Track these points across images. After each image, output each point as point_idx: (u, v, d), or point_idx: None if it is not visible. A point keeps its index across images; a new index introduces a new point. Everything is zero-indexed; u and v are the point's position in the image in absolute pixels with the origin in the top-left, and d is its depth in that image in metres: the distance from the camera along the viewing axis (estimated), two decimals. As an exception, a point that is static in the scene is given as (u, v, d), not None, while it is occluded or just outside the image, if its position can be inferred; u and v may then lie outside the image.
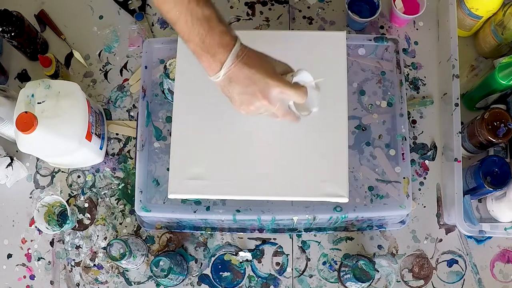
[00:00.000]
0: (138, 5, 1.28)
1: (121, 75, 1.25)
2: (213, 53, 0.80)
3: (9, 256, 1.15)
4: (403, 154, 1.08)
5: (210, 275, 1.13)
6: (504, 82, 1.07)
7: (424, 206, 1.16)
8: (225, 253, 1.14)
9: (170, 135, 0.98)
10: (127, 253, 1.03)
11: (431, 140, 1.20)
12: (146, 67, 1.13)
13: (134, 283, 1.13)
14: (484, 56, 1.23)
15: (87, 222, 1.16)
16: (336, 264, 1.14)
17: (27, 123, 0.96)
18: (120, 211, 1.17)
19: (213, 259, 1.13)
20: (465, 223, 1.06)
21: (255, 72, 0.81)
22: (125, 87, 1.24)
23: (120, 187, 1.18)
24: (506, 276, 1.13)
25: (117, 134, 1.21)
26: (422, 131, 1.20)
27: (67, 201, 1.16)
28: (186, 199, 1.04)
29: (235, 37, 0.81)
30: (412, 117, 1.20)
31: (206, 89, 0.98)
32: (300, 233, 1.14)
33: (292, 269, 1.13)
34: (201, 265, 1.14)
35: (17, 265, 1.15)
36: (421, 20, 1.26)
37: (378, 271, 1.12)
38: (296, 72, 0.87)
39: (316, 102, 0.90)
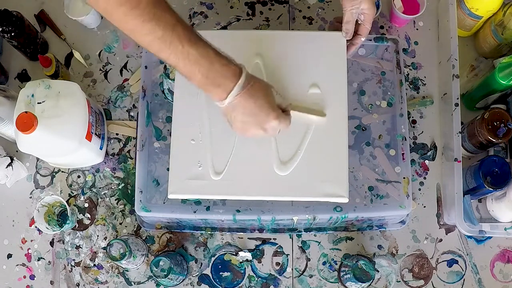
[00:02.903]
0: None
1: (121, 75, 1.25)
2: (218, 84, 0.82)
3: (9, 256, 1.15)
4: (403, 154, 1.08)
5: (210, 275, 1.13)
6: (504, 82, 1.07)
7: (424, 206, 1.16)
8: (225, 253, 1.14)
9: (170, 135, 0.98)
10: (127, 253, 1.03)
11: (431, 140, 1.20)
12: (146, 67, 1.13)
13: (134, 283, 1.13)
14: (484, 56, 1.23)
15: (87, 222, 1.16)
16: (336, 264, 1.14)
17: (27, 123, 0.96)
18: (120, 211, 1.17)
19: (213, 259, 1.13)
20: (465, 223, 1.06)
21: (259, 104, 0.85)
22: (125, 87, 1.24)
23: (120, 187, 1.18)
24: (506, 276, 1.13)
25: (117, 134, 1.21)
26: (422, 131, 1.20)
27: (67, 201, 1.16)
28: (186, 199, 1.04)
29: (239, 67, 0.84)
30: (412, 117, 1.20)
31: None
32: (300, 233, 1.14)
33: (292, 269, 1.13)
34: (201, 265, 1.14)
35: (17, 265, 1.15)
36: (421, 20, 1.26)
37: (378, 271, 1.12)
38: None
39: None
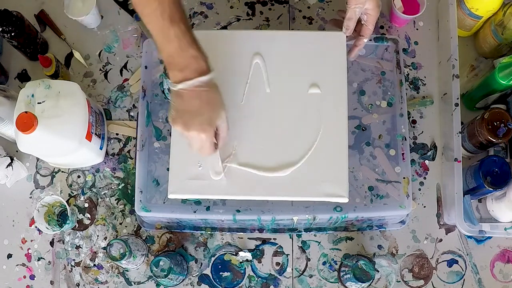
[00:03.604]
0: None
1: (121, 75, 1.25)
2: (181, 68, 0.83)
3: (9, 256, 1.15)
4: (403, 154, 1.08)
5: (210, 275, 1.13)
6: (504, 82, 1.07)
7: (424, 206, 1.16)
8: (225, 253, 1.14)
9: (170, 135, 0.98)
10: (127, 253, 1.03)
11: (431, 140, 1.20)
12: (146, 67, 1.13)
13: (134, 283, 1.13)
14: (484, 56, 1.23)
15: (87, 222, 1.16)
16: (336, 264, 1.14)
17: (27, 123, 0.96)
18: (120, 211, 1.17)
19: (213, 259, 1.13)
20: (465, 223, 1.06)
21: (204, 111, 0.85)
22: (125, 87, 1.24)
23: (120, 187, 1.18)
24: (506, 276, 1.13)
25: (117, 134, 1.21)
26: (422, 131, 1.20)
27: (67, 201, 1.16)
28: (186, 199, 1.04)
29: (208, 70, 0.85)
30: (412, 117, 1.20)
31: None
32: (300, 233, 1.14)
33: (292, 269, 1.13)
34: (201, 265, 1.14)
35: (17, 265, 1.15)
36: (421, 20, 1.26)
37: (378, 271, 1.12)
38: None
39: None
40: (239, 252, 1.13)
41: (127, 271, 1.14)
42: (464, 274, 1.13)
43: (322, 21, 1.27)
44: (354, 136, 1.11)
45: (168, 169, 0.96)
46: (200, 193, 0.95)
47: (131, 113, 1.22)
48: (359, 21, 0.99)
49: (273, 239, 1.15)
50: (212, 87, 0.86)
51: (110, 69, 1.25)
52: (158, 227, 1.13)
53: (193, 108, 0.85)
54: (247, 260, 1.13)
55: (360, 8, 0.96)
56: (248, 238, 1.14)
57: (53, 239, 1.16)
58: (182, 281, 1.12)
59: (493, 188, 1.06)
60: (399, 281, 1.13)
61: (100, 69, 1.25)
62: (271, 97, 0.98)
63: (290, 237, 1.15)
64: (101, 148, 1.16)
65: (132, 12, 1.28)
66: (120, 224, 1.16)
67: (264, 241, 1.14)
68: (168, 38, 0.82)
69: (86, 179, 1.19)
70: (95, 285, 1.13)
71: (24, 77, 1.25)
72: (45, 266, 1.14)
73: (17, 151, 1.16)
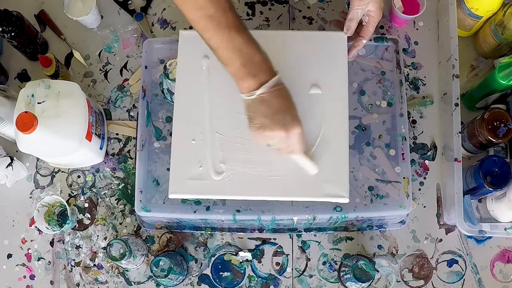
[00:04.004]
0: (142, 5, 1.28)
1: (121, 75, 1.25)
2: (254, 74, 0.82)
3: (9, 256, 1.15)
4: (403, 154, 1.08)
5: (210, 275, 1.13)
6: (504, 82, 1.07)
7: (424, 206, 1.16)
8: (225, 253, 1.14)
9: (170, 135, 0.98)
10: (127, 253, 1.03)
11: (431, 140, 1.20)
12: (146, 67, 1.13)
13: (134, 283, 1.13)
14: (484, 56, 1.23)
15: (87, 222, 1.16)
16: (336, 264, 1.14)
17: (27, 123, 0.96)
18: (120, 211, 1.17)
19: (213, 259, 1.13)
20: (465, 223, 1.06)
21: (289, 106, 0.85)
22: (125, 87, 1.24)
23: (120, 187, 1.18)
24: (506, 276, 1.13)
25: (117, 134, 1.21)
26: (422, 131, 1.20)
27: (67, 201, 1.16)
28: (186, 199, 1.04)
29: (274, 69, 0.84)
30: (412, 117, 1.20)
31: (207, 89, 0.98)
32: (300, 233, 1.14)
33: (292, 269, 1.13)
34: (201, 265, 1.14)
35: (17, 265, 1.15)
36: (421, 20, 1.26)
37: (378, 271, 1.12)
38: None
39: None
40: (239, 252, 1.13)
41: (127, 271, 1.14)
42: (464, 274, 1.13)
43: (322, 21, 1.27)
44: (354, 136, 1.11)
45: (168, 169, 0.96)
46: (200, 193, 0.95)
47: (131, 113, 1.22)
48: (359, 22, 0.99)
49: (273, 239, 1.15)
50: (282, 84, 0.85)
51: (110, 69, 1.25)
52: (158, 227, 1.13)
53: (281, 108, 0.84)
54: (247, 260, 1.13)
55: (362, 10, 0.96)
56: (248, 238, 1.14)
57: (53, 239, 1.16)
58: (182, 281, 1.12)
59: (493, 188, 1.06)
60: (399, 281, 1.13)
61: (100, 69, 1.25)
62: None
63: (290, 237, 1.15)
64: (101, 148, 1.16)
65: (132, 12, 1.28)
66: (120, 224, 1.16)
67: (264, 241, 1.14)
68: (237, 49, 0.81)
69: (86, 179, 1.19)
70: (95, 285, 1.13)
71: (24, 77, 1.25)
72: (45, 266, 1.14)
73: (17, 151, 1.16)
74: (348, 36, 1.01)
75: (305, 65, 0.99)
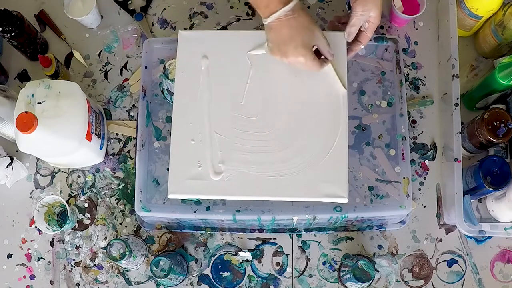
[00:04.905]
0: (142, 5, 1.28)
1: (121, 75, 1.25)
2: (266, 5, 0.89)
3: (9, 256, 1.15)
4: (403, 154, 1.08)
5: (210, 275, 1.13)
6: (504, 82, 1.07)
7: (424, 206, 1.16)
8: (225, 253, 1.14)
9: (170, 135, 0.98)
10: (127, 253, 1.03)
11: (431, 140, 1.20)
12: (146, 67, 1.13)
13: (134, 283, 1.13)
14: (484, 56, 1.23)
15: (87, 222, 1.16)
16: (336, 264, 1.14)
17: (27, 123, 0.96)
18: (120, 211, 1.17)
19: (213, 259, 1.13)
20: (465, 223, 1.06)
21: (289, 36, 0.91)
22: (125, 87, 1.24)
23: (120, 187, 1.18)
24: (506, 276, 1.13)
25: (117, 134, 1.21)
26: (422, 131, 1.20)
27: (67, 201, 1.16)
28: (186, 199, 1.04)
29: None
30: (412, 117, 1.20)
31: (206, 89, 0.98)
32: (300, 233, 1.14)
33: (292, 269, 1.13)
34: (201, 265, 1.14)
35: (17, 265, 1.15)
36: (421, 20, 1.26)
37: (378, 271, 1.12)
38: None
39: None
40: (239, 252, 1.13)
41: (127, 271, 1.14)
42: (464, 274, 1.13)
43: (322, 21, 1.26)
44: (354, 136, 1.11)
45: (168, 169, 0.96)
46: (199, 193, 0.95)
47: (131, 113, 1.22)
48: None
49: (273, 239, 1.15)
50: (298, 12, 0.90)
51: (110, 69, 1.25)
52: (158, 227, 1.13)
53: (285, 37, 0.91)
54: (247, 260, 1.14)
55: (365, 16, 0.96)
56: (248, 238, 1.14)
57: (53, 239, 1.16)
58: (182, 281, 1.12)
59: (493, 188, 1.06)
60: (399, 281, 1.13)
61: (100, 69, 1.25)
62: (271, 98, 0.98)
63: (290, 237, 1.15)
64: (101, 148, 1.16)
65: (132, 12, 1.28)
66: (120, 224, 1.16)
67: (264, 241, 1.14)
68: None
69: (86, 179, 1.19)
70: (95, 285, 1.13)
71: (24, 77, 1.25)
72: (45, 266, 1.14)
73: (17, 151, 1.17)
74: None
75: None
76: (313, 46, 0.94)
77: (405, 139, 1.09)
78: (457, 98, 1.11)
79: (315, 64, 0.94)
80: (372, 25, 0.98)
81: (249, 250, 1.14)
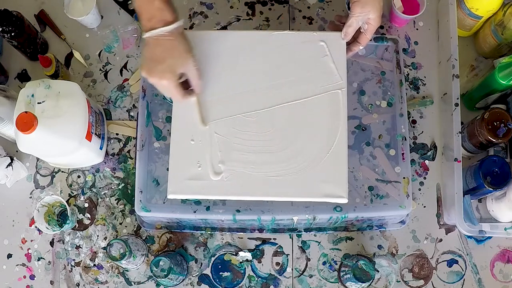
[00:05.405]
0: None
1: (121, 75, 1.25)
2: (149, 18, 0.88)
3: (9, 256, 1.15)
4: (403, 154, 1.08)
5: (210, 275, 1.13)
6: (504, 82, 1.07)
7: (424, 206, 1.16)
8: (225, 253, 1.14)
9: (170, 135, 0.98)
10: (127, 253, 1.03)
11: (431, 140, 1.20)
12: (146, 67, 1.13)
13: (134, 283, 1.13)
14: (484, 56, 1.23)
15: (87, 222, 1.16)
16: (336, 264, 1.14)
17: (27, 123, 0.96)
18: (120, 211, 1.17)
19: (213, 259, 1.13)
20: (465, 223, 1.06)
21: (157, 57, 0.89)
22: (125, 87, 1.24)
23: (120, 187, 1.18)
24: (506, 276, 1.13)
25: (117, 134, 1.21)
26: (422, 131, 1.20)
27: (67, 201, 1.16)
28: (186, 199, 1.04)
29: (173, 20, 0.88)
30: (412, 117, 1.20)
31: (206, 89, 0.98)
32: (300, 233, 1.14)
33: (292, 269, 1.13)
34: (201, 265, 1.14)
35: (17, 265, 1.15)
36: (421, 20, 1.26)
37: (378, 271, 1.12)
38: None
39: None
40: (239, 252, 1.13)
41: (127, 271, 1.14)
42: (464, 274, 1.13)
43: (322, 21, 1.27)
44: (354, 136, 1.11)
45: (168, 169, 0.96)
46: (199, 194, 0.95)
47: (131, 113, 1.22)
48: (358, 28, 0.99)
49: (273, 239, 1.15)
50: (177, 36, 0.89)
51: (110, 69, 1.25)
52: (158, 227, 1.13)
53: (156, 56, 0.89)
54: (247, 260, 1.14)
55: (363, 17, 0.96)
56: (248, 238, 1.15)
57: (53, 239, 1.16)
58: (182, 281, 1.12)
59: (493, 188, 1.06)
60: (399, 281, 1.13)
61: (100, 69, 1.25)
62: (270, 97, 0.98)
63: (290, 237, 1.15)
64: (101, 148, 1.16)
65: (132, 12, 1.28)
66: (120, 224, 1.16)
67: (264, 241, 1.15)
68: None
69: (86, 179, 1.19)
70: (95, 285, 1.13)
71: (24, 77, 1.25)
72: (45, 266, 1.14)
73: (17, 151, 1.17)
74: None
75: (305, 64, 0.99)
76: (181, 74, 0.91)
77: (405, 139, 1.09)
78: (457, 98, 1.11)
79: (178, 92, 0.92)
80: (372, 27, 0.98)
81: (249, 250, 1.14)
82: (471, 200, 1.10)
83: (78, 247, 1.15)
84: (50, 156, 1.10)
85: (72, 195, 1.18)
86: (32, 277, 1.14)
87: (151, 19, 0.88)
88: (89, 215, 1.17)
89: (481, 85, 1.14)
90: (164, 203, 1.07)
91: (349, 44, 1.01)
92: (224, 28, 1.26)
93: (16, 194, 1.18)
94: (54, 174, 1.19)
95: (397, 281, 1.13)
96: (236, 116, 0.97)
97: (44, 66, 1.17)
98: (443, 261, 1.14)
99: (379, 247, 1.14)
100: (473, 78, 1.22)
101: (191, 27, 1.27)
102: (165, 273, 1.04)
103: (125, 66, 1.25)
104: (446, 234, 1.15)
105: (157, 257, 1.04)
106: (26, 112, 0.97)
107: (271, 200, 1.00)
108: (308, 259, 1.14)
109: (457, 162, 1.07)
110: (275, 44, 1.01)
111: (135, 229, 1.16)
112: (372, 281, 1.04)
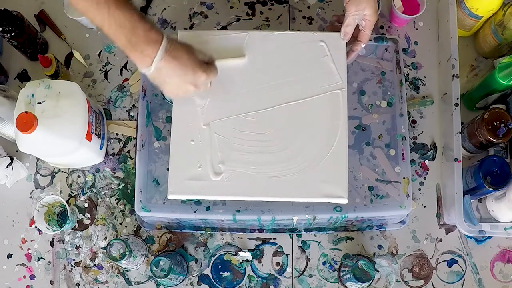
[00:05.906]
0: (142, 5, 1.28)
1: (121, 75, 1.25)
2: (141, 50, 0.85)
3: (9, 256, 1.15)
4: (403, 154, 1.08)
5: (210, 275, 1.13)
6: (504, 82, 1.07)
7: (424, 206, 1.16)
8: (225, 253, 1.14)
9: (170, 135, 0.98)
10: (127, 253, 1.03)
11: (431, 140, 1.20)
12: (146, 67, 1.13)
13: (134, 283, 1.13)
14: (484, 56, 1.23)
15: (87, 222, 1.16)
16: (336, 264, 1.14)
17: (27, 123, 0.96)
18: (120, 211, 1.17)
19: (213, 259, 1.13)
20: (465, 223, 1.06)
21: (184, 64, 0.88)
22: (125, 87, 1.24)
23: (120, 187, 1.18)
24: (506, 276, 1.13)
25: (117, 134, 1.21)
26: (422, 131, 1.20)
27: (67, 201, 1.16)
28: (186, 199, 1.04)
29: (161, 33, 0.86)
30: (412, 117, 1.20)
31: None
32: (300, 233, 1.14)
33: (292, 269, 1.13)
34: (201, 265, 1.14)
35: (17, 265, 1.15)
36: (421, 20, 1.26)
37: (378, 271, 1.12)
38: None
39: None
40: (239, 252, 1.13)
41: (127, 271, 1.14)
42: (464, 274, 1.13)
43: (322, 21, 1.27)
44: (354, 136, 1.11)
45: (168, 169, 0.96)
46: (199, 194, 0.95)
47: (131, 113, 1.22)
48: (356, 27, 0.99)
49: (273, 239, 1.15)
50: (172, 43, 0.87)
51: (110, 69, 1.25)
52: (158, 227, 1.13)
53: (180, 69, 0.88)
54: (247, 260, 1.14)
55: (359, 15, 0.96)
56: (248, 238, 1.15)
57: (53, 239, 1.16)
58: (182, 281, 1.12)
59: (493, 188, 1.06)
60: (399, 281, 1.13)
61: (100, 69, 1.25)
62: (270, 98, 0.98)
63: (290, 237, 1.15)
64: (101, 148, 1.16)
65: (132, 12, 1.27)
66: (120, 224, 1.16)
67: (264, 241, 1.15)
68: (119, 25, 0.83)
69: (86, 179, 1.19)
70: (95, 285, 1.13)
71: (24, 77, 1.25)
72: (45, 266, 1.14)
73: (17, 151, 1.16)
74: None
75: (304, 65, 0.99)
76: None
77: (405, 139, 1.09)
78: (457, 98, 1.11)
79: (214, 71, 0.93)
80: (369, 22, 0.98)
81: (249, 250, 1.14)
82: (471, 200, 1.10)
83: (78, 247, 1.15)
84: (50, 156, 1.10)
85: (72, 195, 1.18)
86: (32, 277, 1.14)
87: (143, 50, 0.85)
88: (89, 215, 1.17)
89: (481, 85, 1.14)
90: (164, 203, 1.07)
91: (350, 44, 1.01)
92: (224, 28, 1.26)
93: (16, 194, 1.18)
94: (54, 174, 1.19)
95: (397, 281, 1.13)
96: (236, 116, 0.97)
97: (44, 66, 1.17)
98: (443, 261, 1.14)
99: (379, 247, 1.14)
100: (473, 78, 1.22)
101: (191, 27, 1.27)
102: (165, 273, 1.04)
103: (125, 66, 1.25)
104: (446, 234, 1.15)
105: (157, 257, 1.04)
106: (26, 112, 0.97)
107: (271, 200, 1.00)
108: (308, 259, 1.14)
109: (457, 162, 1.07)
110: (275, 44, 1.01)
111: (135, 229, 1.16)
112: (372, 281, 1.04)
